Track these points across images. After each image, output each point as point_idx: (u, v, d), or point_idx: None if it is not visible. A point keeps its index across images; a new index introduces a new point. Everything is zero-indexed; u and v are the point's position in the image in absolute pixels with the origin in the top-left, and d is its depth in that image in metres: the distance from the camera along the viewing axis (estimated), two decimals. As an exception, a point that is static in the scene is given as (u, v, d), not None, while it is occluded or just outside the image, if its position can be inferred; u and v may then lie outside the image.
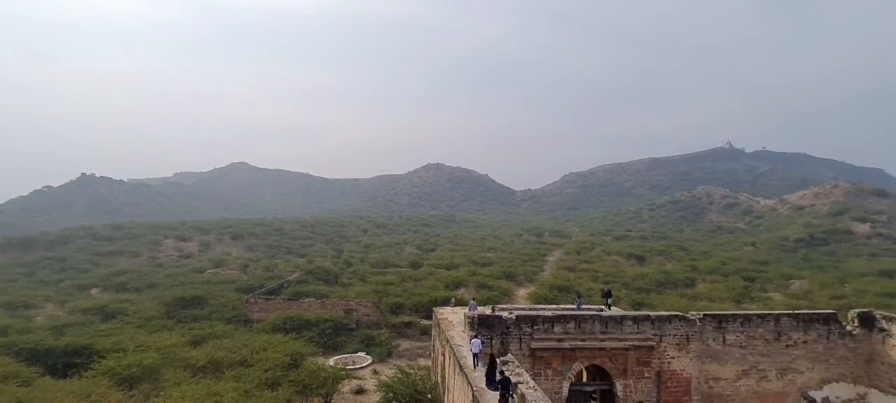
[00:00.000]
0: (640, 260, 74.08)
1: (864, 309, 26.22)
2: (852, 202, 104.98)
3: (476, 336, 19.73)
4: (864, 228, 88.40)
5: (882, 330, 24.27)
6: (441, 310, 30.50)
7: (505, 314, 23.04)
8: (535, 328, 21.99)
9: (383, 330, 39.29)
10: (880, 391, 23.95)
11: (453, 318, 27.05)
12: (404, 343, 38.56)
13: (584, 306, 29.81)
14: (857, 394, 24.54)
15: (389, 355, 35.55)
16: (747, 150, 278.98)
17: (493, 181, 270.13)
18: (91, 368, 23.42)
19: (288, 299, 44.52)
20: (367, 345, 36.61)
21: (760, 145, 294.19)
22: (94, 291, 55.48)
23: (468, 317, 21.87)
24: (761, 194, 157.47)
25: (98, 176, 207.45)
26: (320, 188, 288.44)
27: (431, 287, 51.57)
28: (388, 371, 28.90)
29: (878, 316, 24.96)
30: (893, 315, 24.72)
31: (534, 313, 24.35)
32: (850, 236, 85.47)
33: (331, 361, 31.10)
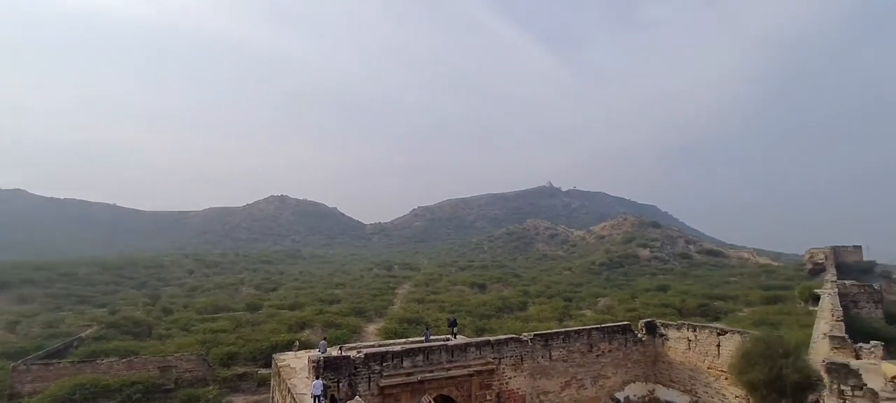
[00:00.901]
0: (482, 288, 79.65)
1: (649, 319, 32.32)
2: (637, 232, 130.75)
3: (317, 379, 18.62)
4: (646, 252, 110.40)
5: (661, 335, 30.19)
6: (282, 356, 27.92)
7: (353, 353, 22.17)
8: (384, 364, 21.60)
9: (211, 387, 34.07)
10: (663, 385, 29.53)
11: (296, 364, 24.98)
12: (238, 399, 34.06)
13: (433, 337, 30.52)
14: (648, 391, 29.83)
15: (219, 415, 30.95)
16: (563, 189, 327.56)
17: (343, 214, 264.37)
18: None
19: (79, 361, 35.65)
20: (190, 407, 31.32)
21: (572, 185, 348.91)
22: None
23: (313, 361, 20.42)
24: (575, 226, 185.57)
25: None
26: (134, 222, 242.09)
27: (272, 330, 47.03)
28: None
29: (658, 324, 31.02)
30: (670, 322, 31.01)
31: (383, 349, 23.96)
32: (637, 259, 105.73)
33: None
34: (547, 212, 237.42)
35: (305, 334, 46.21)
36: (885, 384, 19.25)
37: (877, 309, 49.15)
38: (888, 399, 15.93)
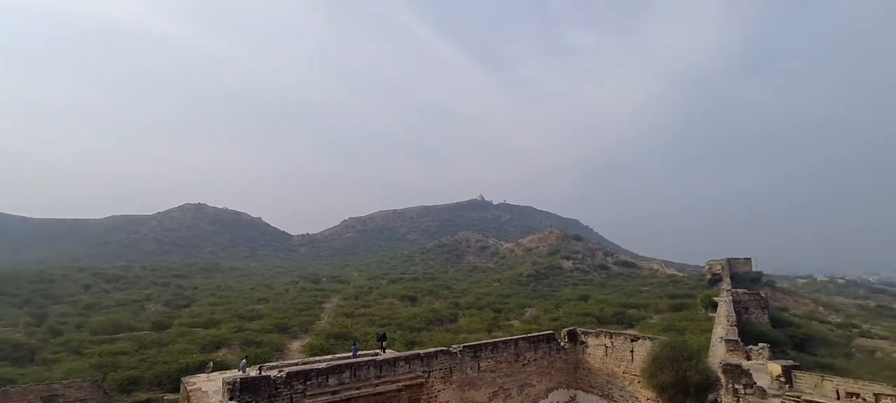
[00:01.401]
0: (413, 300, 79.13)
1: (571, 328, 33.80)
2: (561, 244, 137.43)
3: (232, 401, 17.27)
4: (569, 264, 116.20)
5: (582, 342, 31.67)
6: (192, 379, 25.61)
7: (274, 373, 20.85)
8: (308, 383, 20.50)
9: (107, 416, 30.44)
10: (584, 391, 30.90)
11: (209, 387, 23.03)
12: (139, 428, 30.74)
13: (361, 352, 29.65)
14: (570, 396, 31.05)
15: (115, 448, 27.61)
16: (494, 202, 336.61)
17: (268, 225, 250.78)
18: None
19: (-65, 395, 30.20)
20: (80, 441, 27.63)
21: (503, 198, 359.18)
22: None
23: (227, 383, 18.89)
24: (504, 238, 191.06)
25: None
26: (19, 231, 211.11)
27: (182, 351, 43.16)
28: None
29: (579, 332, 32.52)
30: (589, 330, 32.62)
31: (307, 367, 22.78)
32: (561, 270, 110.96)
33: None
34: (478, 225, 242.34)
35: (221, 354, 43.00)
36: (772, 381, 21.57)
37: (764, 314, 55.53)
38: (774, 395, 17.84)
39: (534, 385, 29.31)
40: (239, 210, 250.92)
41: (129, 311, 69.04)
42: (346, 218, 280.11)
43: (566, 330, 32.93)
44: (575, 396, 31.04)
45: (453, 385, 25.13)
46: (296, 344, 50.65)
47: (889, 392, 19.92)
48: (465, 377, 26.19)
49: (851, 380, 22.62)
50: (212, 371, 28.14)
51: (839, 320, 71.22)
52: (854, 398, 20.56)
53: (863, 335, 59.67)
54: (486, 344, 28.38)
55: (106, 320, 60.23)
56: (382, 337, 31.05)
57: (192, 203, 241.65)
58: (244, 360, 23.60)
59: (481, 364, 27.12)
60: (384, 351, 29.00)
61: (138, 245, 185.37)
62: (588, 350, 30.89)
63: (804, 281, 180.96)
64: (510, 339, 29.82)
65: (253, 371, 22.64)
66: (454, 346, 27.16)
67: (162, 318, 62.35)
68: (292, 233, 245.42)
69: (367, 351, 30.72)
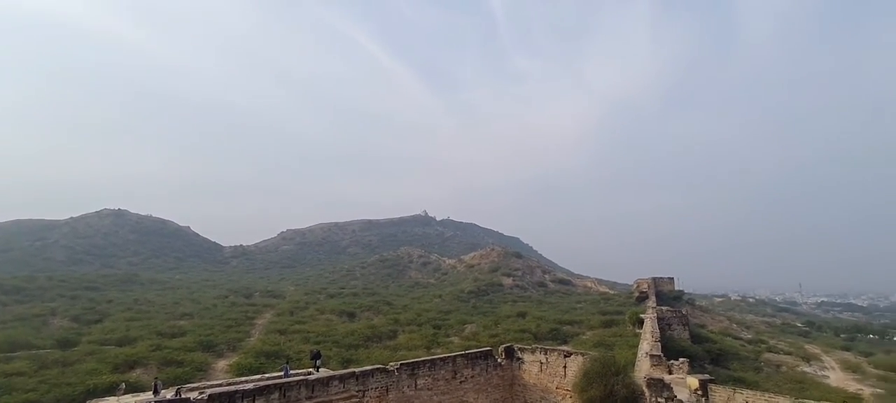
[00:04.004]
0: (351, 316, 77.01)
1: (508, 344, 34.35)
2: (502, 262, 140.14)
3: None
4: (509, 281, 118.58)
5: (518, 358, 32.24)
6: (100, 402, 23.18)
7: (194, 395, 19.35)
8: (231, 405, 19.20)
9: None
10: (518, 407, 31.34)
11: (117, 411, 20.91)
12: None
13: (292, 371, 28.31)
14: (505, 413, 31.38)
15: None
16: (438, 218, 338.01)
17: (197, 235, 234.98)
18: None
19: None
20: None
21: (447, 215, 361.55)
22: None
23: (139, 407, 17.26)
24: (447, 254, 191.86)
25: None
26: None
27: (90, 372, 39.07)
28: None
29: (516, 348, 33.11)
30: (526, 346, 33.30)
31: (233, 388, 21.39)
32: (501, 287, 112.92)
33: None
34: (421, 240, 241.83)
35: (136, 374, 39.46)
36: (690, 394, 23.00)
37: (684, 330, 59.52)
38: (690, 407, 19.03)
39: (470, 403, 29.35)
40: (165, 218, 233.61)
41: (30, 327, 61.51)
42: (284, 230, 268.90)
43: (504, 346, 33.41)
44: (510, 412, 31.40)
45: (389, 404, 24.59)
46: (222, 364, 47.48)
47: (789, 403, 21.95)
48: (401, 395, 25.72)
49: (759, 393, 24.71)
50: (124, 394, 25.64)
51: (750, 336, 77.89)
52: (759, 408, 22.39)
53: (770, 350, 65.54)
54: (423, 362, 28.14)
55: (1, 337, 53.26)
56: (316, 355, 29.88)
57: (112, 208, 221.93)
58: (156, 380, 21.54)
59: (419, 383, 26.80)
60: (318, 370, 27.88)
61: (45, 253, 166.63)
62: (524, 367, 31.48)
63: (720, 299, 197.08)
64: (448, 356, 29.76)
65: (169, 394, 20.84)
66: (391, 364, 26.67)
67: (68, 335, 56.12)
68: (224, 245, 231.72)
69: (300, 371, 29.39)
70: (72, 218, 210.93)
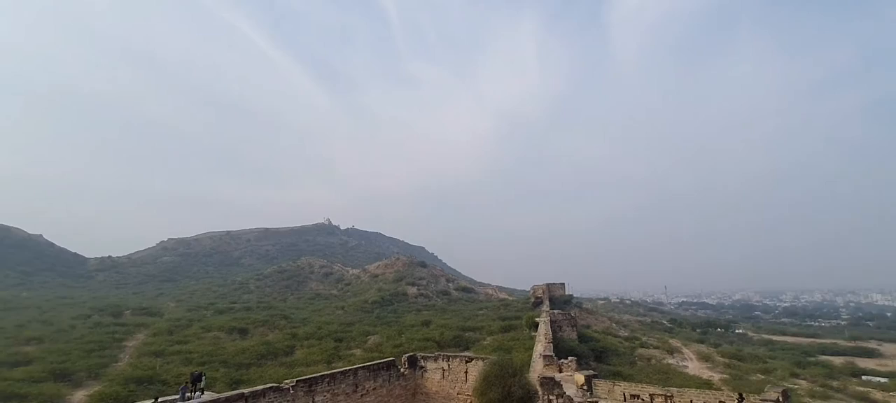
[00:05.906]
0: (243, 333, 71.13)
1: (411, 353, 34.17)
2: (407, 271, 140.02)
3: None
4: (413, 290, 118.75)
5: (421, 367, 32.19)
6: None
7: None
8: (86, 443, 16.40)
9: None
10: (420, 416, 31.21)
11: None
12: None
13: (189, 395, 25.08)
14: (407, 424, 31.02)
15: None
16: (342, 227, 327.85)
17: (52, 244, 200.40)
18: None
19: None
20: None
21: (351, 224, 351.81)
22: None
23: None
24: (351, 264, 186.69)
25: None
26: None
27: None
28: None
29: (419, 357, 33.02)
30: (429, 354, 33.35)
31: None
32: (406, 297, 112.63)
33: None
34: (324, 250, 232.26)
35: (-44, 415, 32.10)
36: (577, 390, 24.72)
37: (573, 331, 64.44)
38: (580, 401, 20.46)
39: (372, 416, 28.55)
40: (8, 224, 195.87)
41: None
42: (165, 240, 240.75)
43: (406, 355, 33.15)
44: (412, 422, 31.15)
45: (283, 425, 22.92)
46: (79, 395, 40.76)
47: (660, 392, 24.79)
48: (296, 414, 24.14)
49: (634, 384, 27.55)
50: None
51: (626, 334, 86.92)
52: (636, 399, 24.93)
53: (642, 346, 73.72)
54: (322, 377, 26.81)
55: None
56: (198, 377, 26.83)
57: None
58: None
59: (317, 399, 25.43)
60: (200, 394, 25.05)
61: None
62: (426, 375, 31.51)
63: (603, 301, 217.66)
64: (349, 369, 28.72)
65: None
66: (286, 382, 24.97)
67: None
68: (87, 256, 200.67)
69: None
70: None
